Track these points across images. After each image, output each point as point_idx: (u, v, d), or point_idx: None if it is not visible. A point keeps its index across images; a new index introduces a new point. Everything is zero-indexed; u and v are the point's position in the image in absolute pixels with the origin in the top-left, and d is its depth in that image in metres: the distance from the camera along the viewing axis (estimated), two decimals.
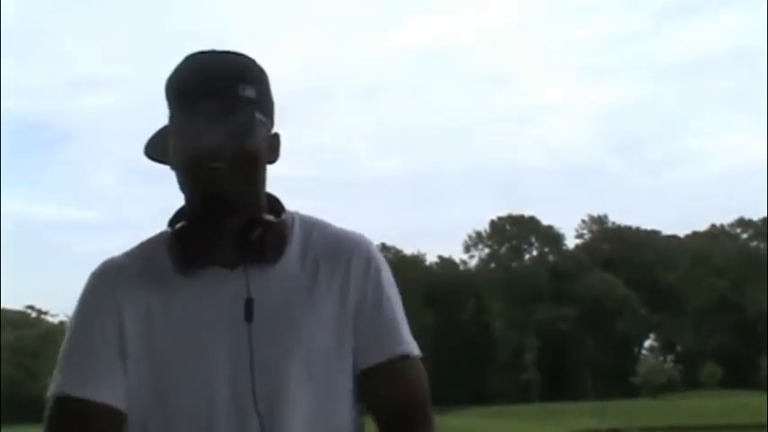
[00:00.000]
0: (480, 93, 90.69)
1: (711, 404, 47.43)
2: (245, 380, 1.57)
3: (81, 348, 1.64)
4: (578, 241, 76.89)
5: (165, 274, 1.61)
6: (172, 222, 1.65)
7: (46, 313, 72.55)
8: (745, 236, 75.37)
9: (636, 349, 71.75)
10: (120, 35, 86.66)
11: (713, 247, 71.18)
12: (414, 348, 1.69)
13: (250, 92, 1.60)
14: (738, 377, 61.07)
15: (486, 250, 74.09)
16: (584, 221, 77.28)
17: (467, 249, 74.82)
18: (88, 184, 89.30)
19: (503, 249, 73.13)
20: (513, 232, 73.77)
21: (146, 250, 1.68)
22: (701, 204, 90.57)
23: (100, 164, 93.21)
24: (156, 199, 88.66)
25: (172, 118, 1.61)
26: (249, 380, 1.57)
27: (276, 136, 1.67)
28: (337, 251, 1.67)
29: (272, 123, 1.66)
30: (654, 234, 76.00)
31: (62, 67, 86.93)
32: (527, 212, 74.93)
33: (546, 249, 74.99)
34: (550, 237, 75.19)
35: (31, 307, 71.80)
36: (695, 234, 74.97)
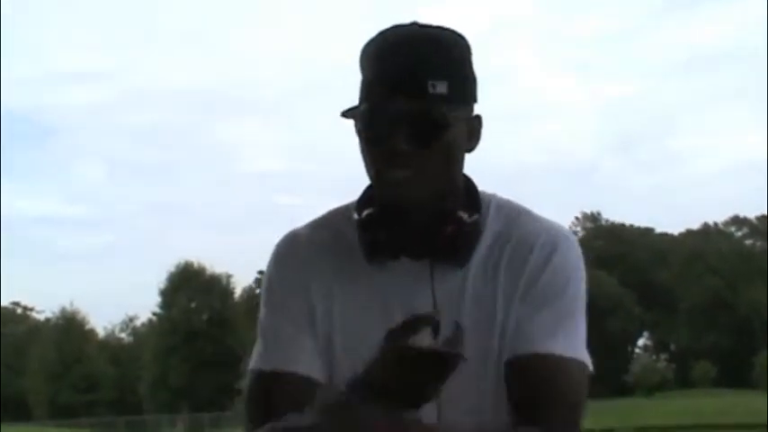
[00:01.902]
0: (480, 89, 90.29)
1: (706, 403, 47.19)
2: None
3: (275, 317, 1.65)
4: None
5: (351, 257, 1.60)
6: (359, 205, 1.61)
7: (32, 309, 71.91)
8: (739, 234, 75.23)
9: (629, 348, 71.66)
10: (108, 29, 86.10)
11: (707, 245, 70.97)
12: (583, 355, 1.64)
13: (441, 87, 1.51)
14: (732, 376, 60.98)
15: None
16: (577, 219, 77.03)
17: None
18: (75, 178, 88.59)
19: None
20: None
21: (331, 225, 1.66)
22: (694, 202, 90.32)
23: (87, 159, 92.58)
24: (143, 194, 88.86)
25: (359, 100, 1.55)
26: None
27: (477, 119, 1.60)
28: (523, 245, 1.59)
29: (471, 107, 1.59)
30: (647, 232, 75.85)
31: (48, 60, 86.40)
32: None
33: None
34: None
35: (16, 303, 71.20)
36: (689, 232, 74.74)
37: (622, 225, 76.00)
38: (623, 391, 59.43)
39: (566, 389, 1.60)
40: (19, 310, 71.54)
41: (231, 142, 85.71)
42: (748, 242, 73.77)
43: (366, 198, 1.63)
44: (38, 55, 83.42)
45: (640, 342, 74.07)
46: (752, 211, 72.38)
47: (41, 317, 69.42)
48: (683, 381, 62.41)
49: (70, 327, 58.44)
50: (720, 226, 75.57)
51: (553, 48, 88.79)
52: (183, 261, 58.83)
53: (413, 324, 1.42)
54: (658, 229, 76.41)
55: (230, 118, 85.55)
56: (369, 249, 1.57)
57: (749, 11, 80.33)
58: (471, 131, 1.59)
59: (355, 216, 1.61)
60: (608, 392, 57.49)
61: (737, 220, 74.85)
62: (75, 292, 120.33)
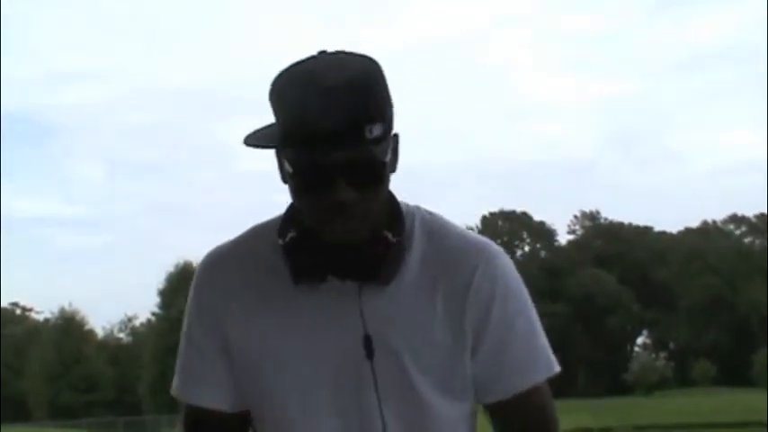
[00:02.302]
0: (471, 88, 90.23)
1: (705, 402, 47.16)
2: (372, 409, 1.56)
3: (188, 349, 1.69)
4: (570, 237, 76.79)
5: (275, 279, 1.58)
6: (283, 227, 1.59)
7: (30, 310, 71.86)
8: (738, 232, 75.25)
9: (628, 346, 71.64)
10: (107, 29, 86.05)
11: (706, 243, 70.98)
12: (551, 366, 1.61)
13: (377, 130, 1.46)
14: (731, 374, 60.95)
15: None
16: (576, 217, 77.06)
17: None
18: (74, 178, 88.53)
19: None
20: (504, 228, 73.65)
21: (255, 247, 1.63)
22: (693, 201, 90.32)
23: (85, 159, 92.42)
24: (143, 194, 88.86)
25: (284, 142, 1.47)
26: (378, 411, 1.56)
27: (396, 138, 1.53)
28: (458, 265, 1.58)
29: (391, 129, 1.52)
30: (646, 230, 75.78)
31: (47, 60, 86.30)
32: (519, 208, 74.83)
33: (538, 245, 74.91)
34: (542, 233, 75.04)
35: (15, 304, 71.15)
36: (688, 230, 74.71)
37: (621, 224, 75.97)
38: (622, 389, 59.38)
39: (551, 414, 1.67)
40: (18, 311, 71.50)
41: (230, 142, 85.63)
42: (747, 240, 73.77)
43: (288, 219, 1.60)
44: (36, 55, 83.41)
45: (639, 340, 74.15)
46: (751, 210, 72.45)
47: (40, 317, 69.43)
48: (683, 379, 62.39)
49: (69, 327, 58.36)
50: (719, 224, 75.58)
51: (551, 46, 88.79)
52: (182, 261, 58.77)
53: None
54: (657, 228, 76.46)
55: (229, 117, 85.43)
56: (295, 273, 1.55)
57: (749, 8, 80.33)
58: (395, 154, 1.56)
59: (279, 241, 1.58)
60: (607, 391, 57.53)
61: (736, 219, 74.85)
62: (74, 293, 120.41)
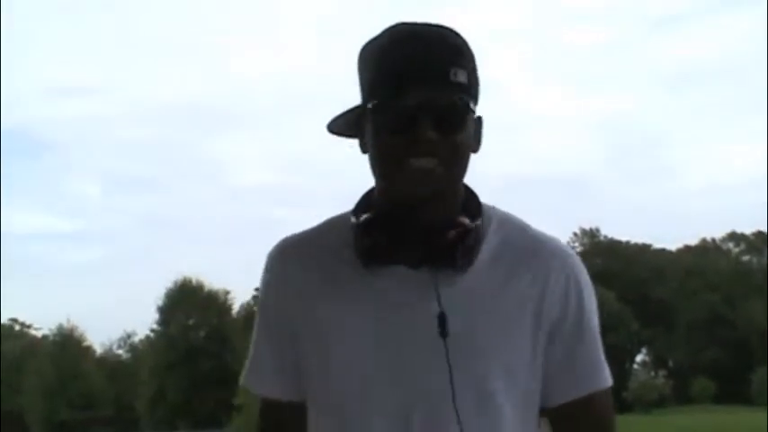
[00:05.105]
0: None
1: (705, 420, 47.03)
2: (445, 395, 1.51)
3: (258, 338, 1.69)
4: None
5: (346, 264, 1.57)
6: (356, 210, 1.59)
7: (30, 326, 71.71)
8: (737, 250, 75.13)
9: (627, 364, 71.48)
10: (102, 44, 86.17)
11: (705, 261, 70.92)
12: (609, 379, 1.60)
13: (462, 76, 1.50)
14: (731, 392, 60.75)
15: None
16: (575, 234, 77.00)
17: None
18: (70, 194, 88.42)
19: None
20: None
21: (325, 233, 1.63)
22: (692, 218, 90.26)
23: (82, 174, 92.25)
24: (140, 209, 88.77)
25: (372, 95, 1.49)
26: (450, 396, 1.51)
27: (480, 121, 1.55)
28: (537, 257, 1.57)
29: (476, 106, 1.55)
30: (645, 248, 75.76)
31: (43, 75, 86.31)
32: None
33: None
34: None
35: (14, 320, 71.02)
36: (687, 248, 74.65)
37: (620, 241, 75.98)
38: (621, 407, 59.14)
39: (612, 422, 1.67)
40: (17, 327, 71.39)
41: (225, 156, 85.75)
42: (746, 258, 73.72)
43: (364, 204, 1.60)
44: (32, 70, 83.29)
45: (638, 358, 73.91)
46: (749, 227, 72.43)
47: (39, 334, 69.27)
48: (682, 397, 62.23)
49: (67, 343, 58.26)
50: (718, 242, 75.54)
51: (548, 61, 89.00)
52: (181, 277, 58.71)
53: None
54: (656, 245, 76.41)
55: (224, 132, 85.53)
56: (366, 254, 1.54)
57: (750, 23, 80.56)
58: (477, 133, 1.58)
59: (353, 220, 1.57)
60: None
61: (735, 237, 74.82)
62: (73, 309, 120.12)
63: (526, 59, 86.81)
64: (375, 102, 1.51)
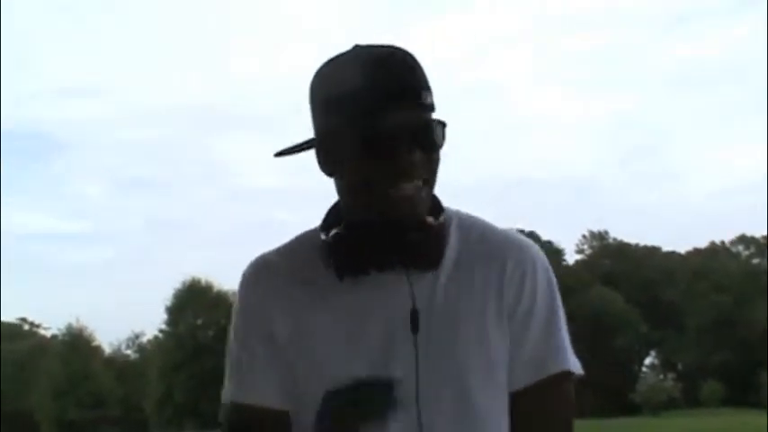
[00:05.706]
0: (477, 105, 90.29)
1: (713, 422, 46.90)
2: (410, 390, 1.54)
3: (240, 355, 1.68)
4: (579, 257, 76.60)
5: (320, 276, 1.60)
6: (325, 226, 1.62)
7: (39, 326, 71.87)
8: (746, 253, 74.96)
9: (636, 366, 71.37)
10: (107, 45, 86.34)
11: (714, 263, 70.74)
12: (576, 365, 1.59)
13: (429, 97, 1.54)
14: (740, 395, 60.61)
15: None
16: (584, 237, 76.88)
17: None
18: (76, 194, 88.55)
19: None
20: None
21: (298, 249, 1.66)
22: (701, 221, 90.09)
23: (88, 174, 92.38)
24: (147, 210, 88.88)
25: (346, 121, 1.51)
26: (414, 392, 1.54)
27: (445, 125, 1.59)
28: (493, 253, 1.62)
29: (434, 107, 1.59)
30: (654, 250, 75.59)
31: (48, 76, 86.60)
32: (527, 227, 74.78)
33: None
34: (550, 252, 74.86)
35: (23, 319, 71.17)
36: (696, 251, 74.48)
37: (629, 244, 75.84)
38: (630, 409, 59.12)
39: (573, 411, 1.64)
40: (26, 327, 71.55)
41: (230, 157, 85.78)
42: (755, 261, 73.53)
43: (331, 219, 1.64)
44: (37, 71, 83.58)
45: (647, 361, 73.82)
46: (759, 231, 72.25)
47: (48, 333, 69.41)
48: (691, 400, 62.12)
49: (76, 343, 58.37)
50: (727, 245, 75.37)
51: (555, 64, 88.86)
52: (189, 278, 58.79)
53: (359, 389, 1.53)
54: (665, 248, 76.26)
55: (228, 133, 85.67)
56: (340, 267, 1.57)
57: (754, 25, 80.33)
58: (444, 137, 1.61)
59: (323, 237, 1.61)
60: (615, 411, 57.20)
61: (744, 239, 74.65)
62: (82, 309, 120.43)
63: (535, 63, 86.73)
64: (350, 127, 1.53)
